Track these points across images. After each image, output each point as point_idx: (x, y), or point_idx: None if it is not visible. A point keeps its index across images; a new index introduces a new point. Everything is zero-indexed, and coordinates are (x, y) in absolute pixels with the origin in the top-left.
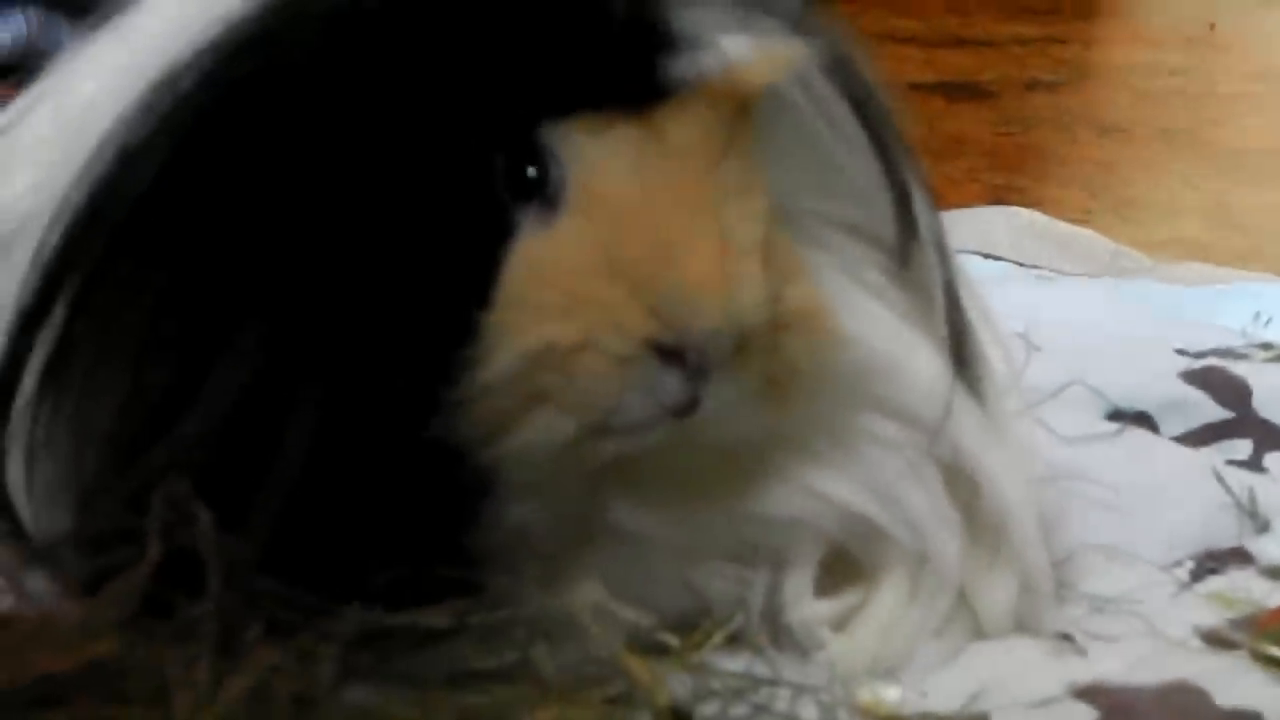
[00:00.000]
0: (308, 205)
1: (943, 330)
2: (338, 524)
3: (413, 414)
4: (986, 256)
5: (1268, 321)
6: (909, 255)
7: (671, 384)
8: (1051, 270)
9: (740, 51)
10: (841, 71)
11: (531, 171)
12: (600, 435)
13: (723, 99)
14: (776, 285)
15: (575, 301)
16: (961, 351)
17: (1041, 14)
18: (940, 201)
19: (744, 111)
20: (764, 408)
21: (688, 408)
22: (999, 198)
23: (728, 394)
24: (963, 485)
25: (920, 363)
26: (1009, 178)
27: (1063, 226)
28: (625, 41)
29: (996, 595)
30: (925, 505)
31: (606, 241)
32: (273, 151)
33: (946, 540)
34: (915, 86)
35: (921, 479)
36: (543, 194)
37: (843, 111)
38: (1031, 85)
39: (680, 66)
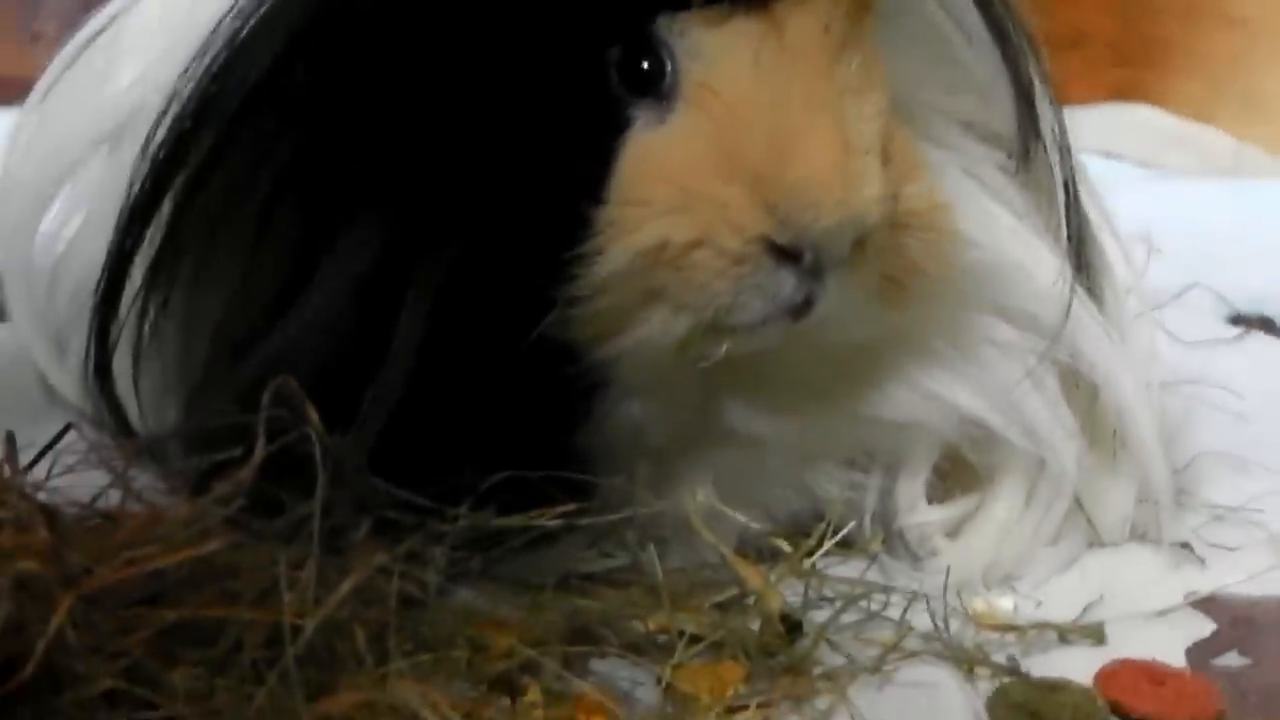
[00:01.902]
0: (424, 97)
1: (1063, 231)
2: (448, 423)
3: (527, 310)
4: (1107, 156)
5: None
6: (1030, 154)
7: (787, 283)
8: (1172, 170)
9: None
10: None
11: (646, 65)
12: (714, 334)
13: None
14: (896, 183)
15: (690, 198)
16: (1081, 253)
17: None
18: (1060, 96)
19: (864, 5)
20: (880, 308)
21: (803, 307)
22: (1120, 91)
23: (844, 294)
24: (1082, 390)
25: (1040, 265)
26: (1131, 70)
27: (1184, 125)
28: None
29: (1114, 503)
30: (1043, 410)
31: (722, 137)
32: (389, 42)
33: (1064, 446)
34: None
35: (1040, 384)
36: (658, 88)
37: (964, 3)
38: None
39: None
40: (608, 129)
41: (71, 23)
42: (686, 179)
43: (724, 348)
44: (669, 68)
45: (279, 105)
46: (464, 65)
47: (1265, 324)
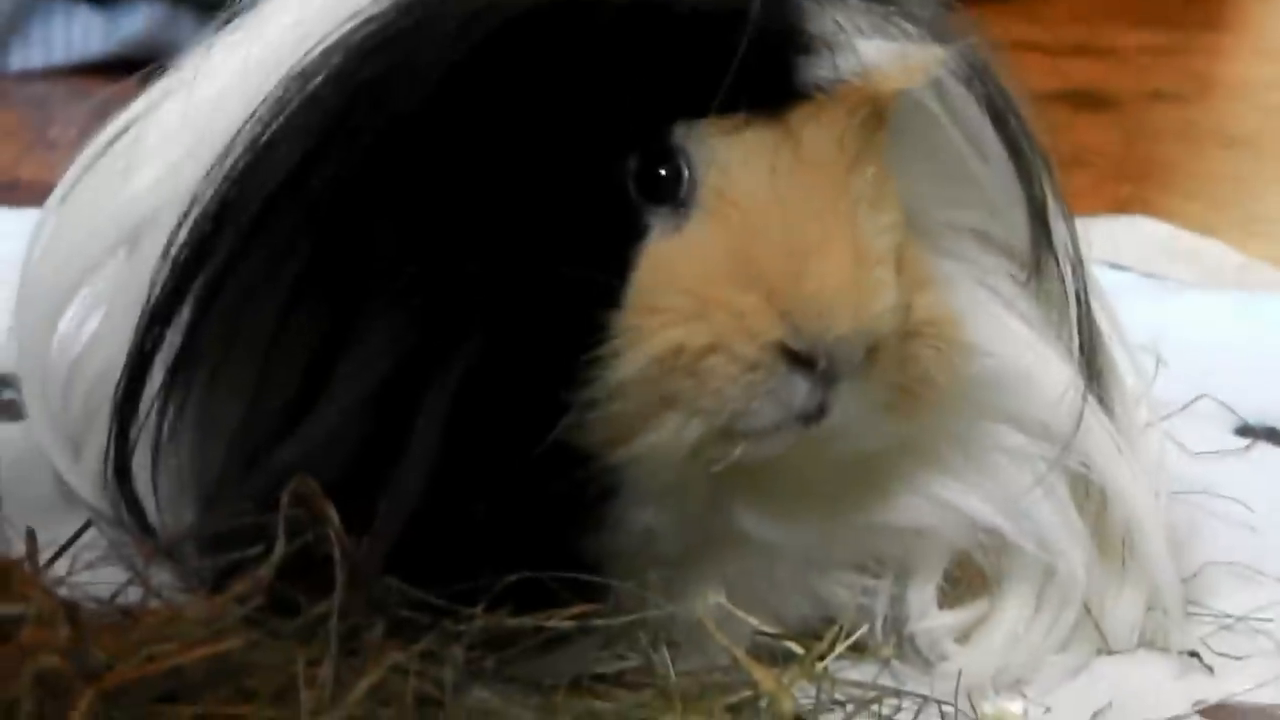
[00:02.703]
0: (441, 206)
1: (1074, 341)
2: (464, 526)
3: (542, 416)
4: (1113, 266)
5: None
6: (1042, 266)
7: (800, 390)
8: (1178, 282)
9: (877, 56)
10: (978, 79)
11: (664, 172)
12: (727, 440)
13: (858, 104)
14: (908, 294)
15: (706, 304)
16: (1092, 363)
17: (1165, 25)
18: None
19: (879, 117)
20: (892, 417)
21: (816, 414)
22: (1124, 209)
23: (856, 402)
24: (1091, 499)
25: (1051, 374)
26: (1134, 189)
27: (1189, 238)
28: (761, 43)
29: (1123, 610)
30: (1054, 518)
31: (738, 244)
32: (403, 150)
33: (1074, 554)
34: (1039, 95)
35: (1050, 491)
36: (675, 196)
37: (978, 119)
38: (1156, 96)
39: (816, 70)
40: (625, 236)
41: (85, 129)
42: (702, 286)
43: (736, 453)
44: (685, 175)
45: (298, 210)
46: (482, 173)
47: (1272, 435)
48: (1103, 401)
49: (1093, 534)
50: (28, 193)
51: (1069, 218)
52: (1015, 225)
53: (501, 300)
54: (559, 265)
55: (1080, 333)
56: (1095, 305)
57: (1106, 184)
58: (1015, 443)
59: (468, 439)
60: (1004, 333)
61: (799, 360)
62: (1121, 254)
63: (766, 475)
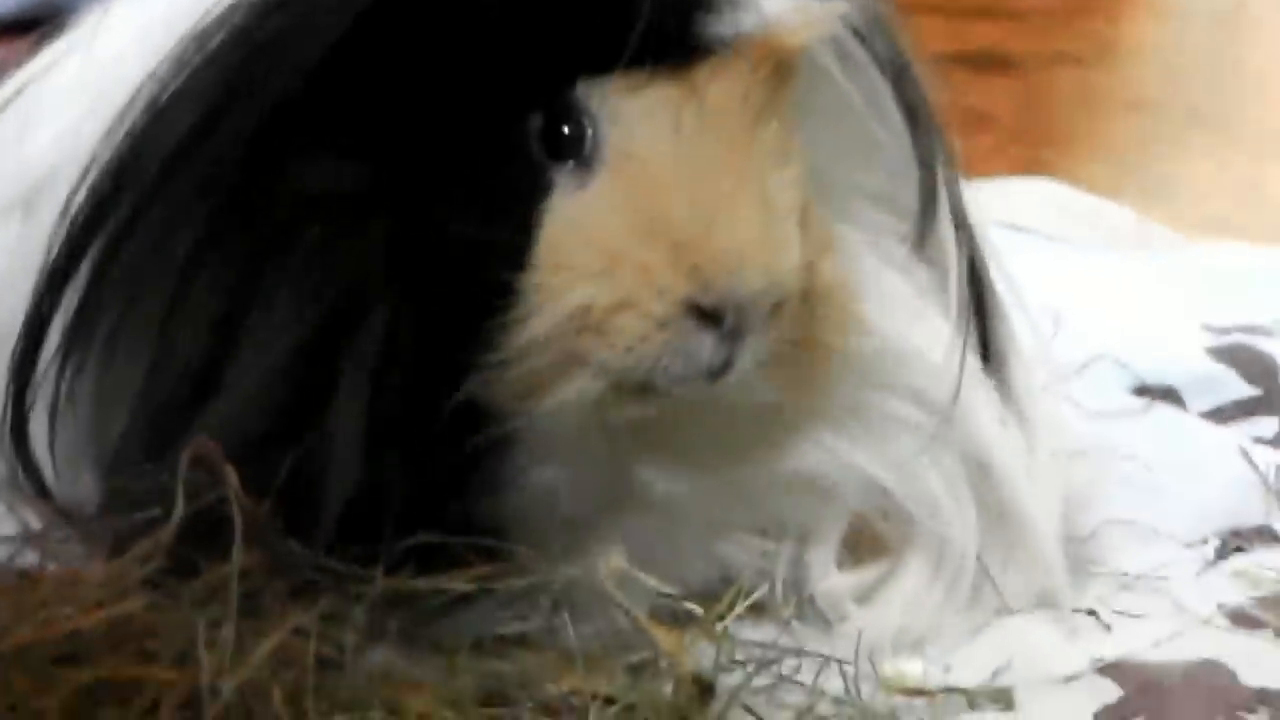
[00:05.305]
0: (341, 166)
1: (953, 310)
2: (367, 487)
3: (448, 377)
4: (1012, 228)
5: None
6: (931, 230)
7: (707, 345)
8: (1078, 243)
9: (779, 10)
10: (877, 37)
11: (568, 130)
12: (633, 395)
13: (762, 59)
14: (811, 253)
15: (613, 262)
16: (985, 329)
17: None
18: (965, 174)
19: (782, 74)
20: (790, 371)
21: (721, 369)
22: (1025, 172)
23: (758, 356)
24: (979, 469)
25: (937, 344)
26: (1035, 152)
27: (1089, 200)
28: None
29: (1015, 575)
30: (940, 487)
31: (644, 201)
32: (304, 109)
33: (961, 522)
34: (939, 57)
35: (938, 460)
36: (579, 154)
37: (877, 79)
38: (1057, 58)
39: (719, 25)
40: (530, 196)
41: None
42: (609, 243)
43: (641, 409)
44: (589, 133)
45: (198, 170)
46: (383, 133)
47: (1169, 394)
48: (994, 368)
49: (981, 503)
50: None
51: (959, 183)
52: (911, 188)
53: (407, 262)
54: (464, 225)
55: (972, 298)
56: (991, 268)
57: (1008, 146)
58: (903, 411)
59: (375, 401)
60: (894, 302)
61: (706, 316)
62: (1020, 216)
63: (666, 431)
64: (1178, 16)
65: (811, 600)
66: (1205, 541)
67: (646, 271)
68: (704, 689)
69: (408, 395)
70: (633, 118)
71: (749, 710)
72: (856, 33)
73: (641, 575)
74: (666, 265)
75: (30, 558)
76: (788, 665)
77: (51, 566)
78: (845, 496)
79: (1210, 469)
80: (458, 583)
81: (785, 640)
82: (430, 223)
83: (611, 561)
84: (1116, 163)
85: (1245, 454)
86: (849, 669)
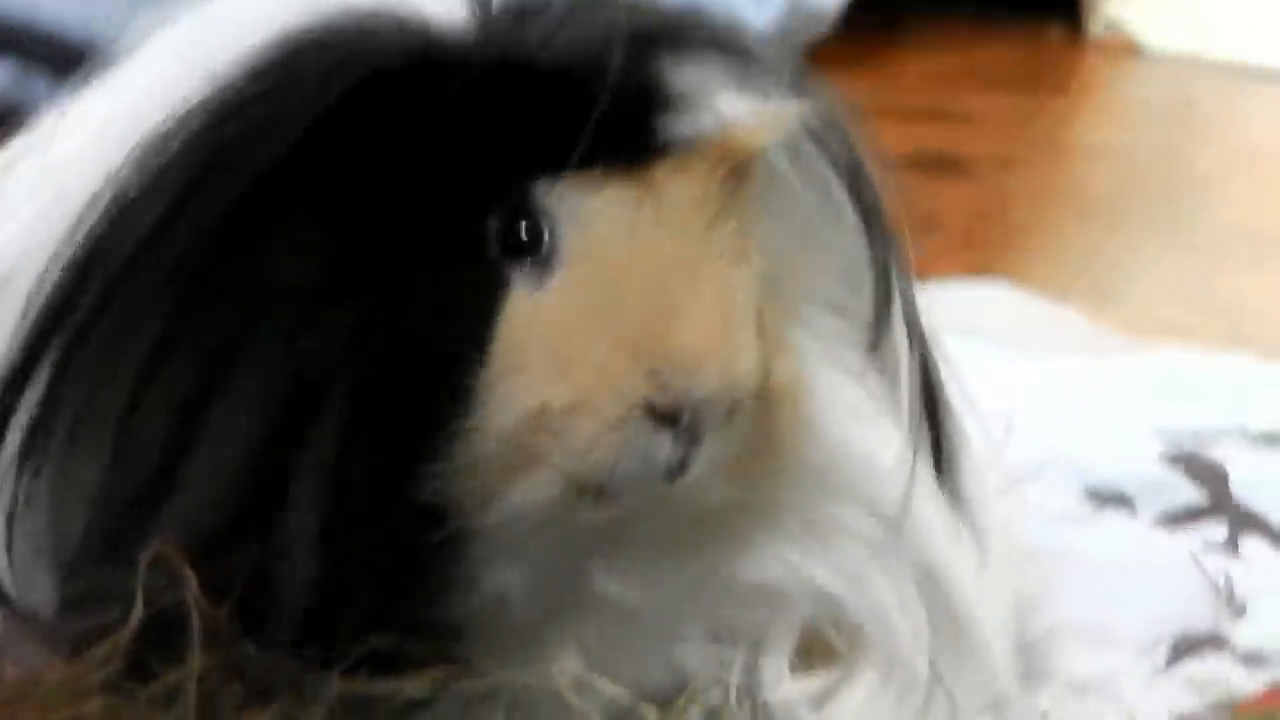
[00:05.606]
0: (299, 266)
1: (904, 417)
2: (323, 587)
3: (405, 476)
4: (965, 333)
5: (1247, 405)
6: (883, 337)
7: (664, 446)
8: (1030, 347)
9: (737, 111)
10: (833, 139)
11: (525, 230)
12: (589, 497)
13: (719, 160)
14: (766, 355)
15: (569, 362)
16: (937, 435)
17: (1016, 89)
18: (916, 277)
19: (739, 175)
20: (745, 473)
21: (679, 469)
22: (977, 274)
23: (713, 457)
24: (928, 577)
25: (889, 453)
26: (986, 256)
27: (1041, 304)
28: (621, 100)
29: (966, 683)
30: (890, 597)
31: (601, 302)
32: (261, 213)
33: (911, 632)
34: (891, 159)
35: (887, 569)
36: (537, 253)
37: (832, 181)
38: (1008, 160)
39: (677, 125)
40: (487, 295)
41: None
42: (565, 344)
43: (597, 511)
44: (547, 233)
45: (158, 270)
46: (341, 232)
47: (1121, 500)
48: (946, 473)
49: (931, 613)
50: None
51: (912, 287)
52: (864, 293)
53: (364, 359)
54: (420, 325)
55: (924, 404)
56: (942, 373)
57: (958, 250)
58: (853, 519)
59: (341, 502)
60: (847, 407)
61: (663, 418)
62: (971, 320)
63: (621, 534)
64: (1128, 118)
65: (766, 707)
66: (1156, 648)
67: (603, 372)
68: None
69: (363, 494)
70: (591, 217)
71: None
72: (812, 134)
73: (596, 680)
74: (623, 366)
75: None
76: None
77: (9, 669)
78: (797, 605)
79: (1161, 574)
80: (413, 686)
81: None
82: (388, 320)
83: (566, 666)
84: (1068, 265)
85: (1196, 561)
86: None
